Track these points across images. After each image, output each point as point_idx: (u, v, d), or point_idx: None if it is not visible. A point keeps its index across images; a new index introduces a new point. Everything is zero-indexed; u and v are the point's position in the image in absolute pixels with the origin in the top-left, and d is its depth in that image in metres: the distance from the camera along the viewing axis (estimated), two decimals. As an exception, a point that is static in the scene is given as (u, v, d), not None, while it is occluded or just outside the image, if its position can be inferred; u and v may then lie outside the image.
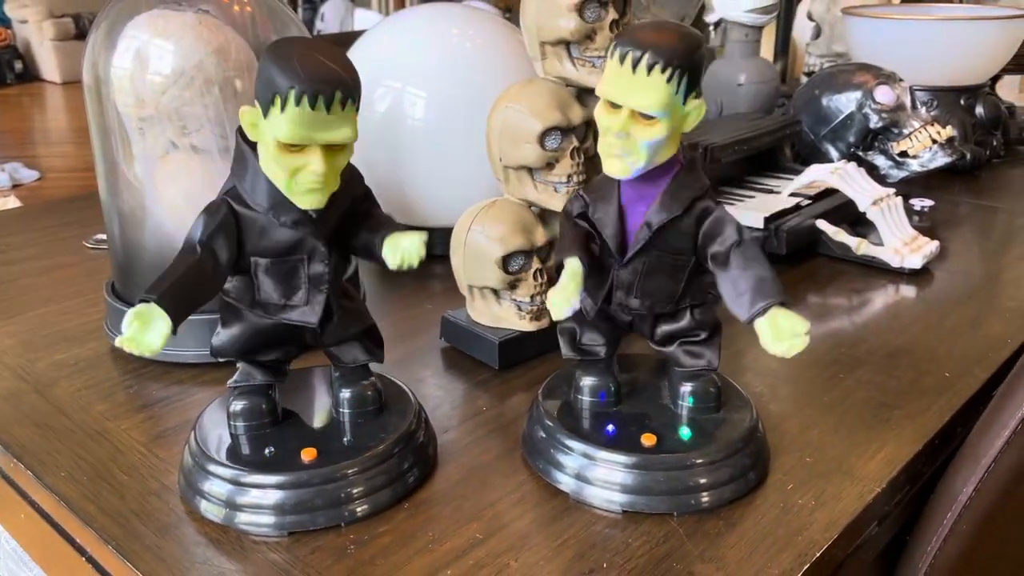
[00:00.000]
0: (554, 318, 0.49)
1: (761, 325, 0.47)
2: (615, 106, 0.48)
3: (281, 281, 0.51)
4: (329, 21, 4.32)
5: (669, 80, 0.46)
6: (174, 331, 0.45)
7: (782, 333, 0.46)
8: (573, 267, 0.49)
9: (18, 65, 6.66)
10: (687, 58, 0.46)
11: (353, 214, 0.52)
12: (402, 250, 0.49)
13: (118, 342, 0.44)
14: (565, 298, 0.48)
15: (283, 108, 0.44)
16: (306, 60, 0.44)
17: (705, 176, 0.51)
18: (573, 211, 0.53)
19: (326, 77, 0.44)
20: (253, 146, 0.48)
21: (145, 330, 0.44)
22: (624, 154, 0.48)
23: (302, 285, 0.51)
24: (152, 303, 0.44)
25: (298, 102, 0.43)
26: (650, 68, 0.46)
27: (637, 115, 0.47)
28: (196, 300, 0.47)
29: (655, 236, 0.50)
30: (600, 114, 0.49)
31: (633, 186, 0.51)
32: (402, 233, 0.50)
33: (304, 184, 0.46)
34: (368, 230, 0.52)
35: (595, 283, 0.53)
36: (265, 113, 0.45)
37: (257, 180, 0.48)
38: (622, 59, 0.46)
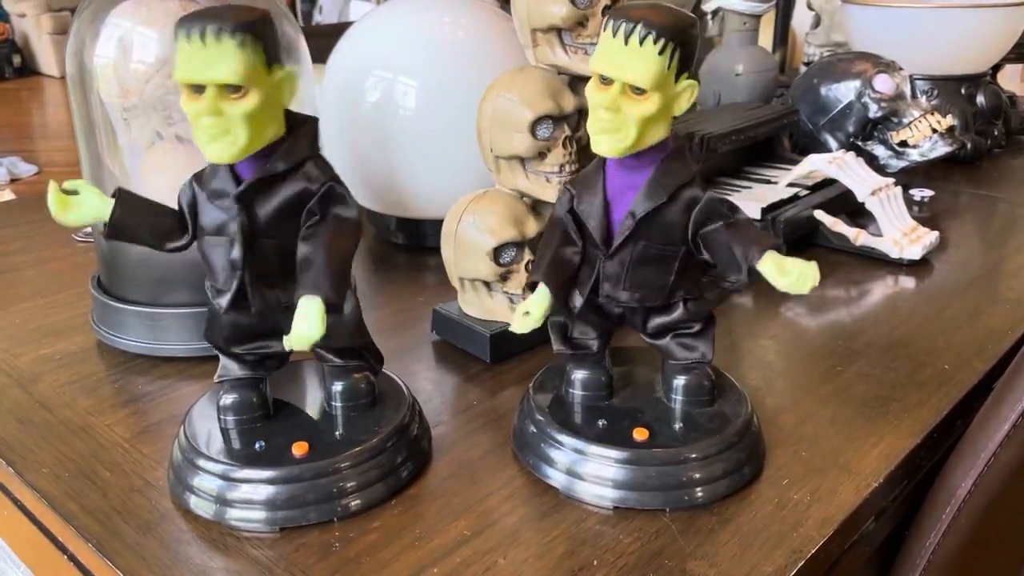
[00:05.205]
0: (512, 328, 0.51)
1: (764, 266, 0.47)
2: (606, 81, 0.47)
3: (215, 261, 0.50)
4: (327, 12, 4.29)
5: (661, 52, 0.45)
6: (110, 229, 0.50)
7: (787, 268, 0.46)
8: (541, 294, 0.51)
9: (16, 59, 6.64)
10: (680, 33, 0.46)
11: (299, 213, 0.49)
12: (296, 336, 0.46)
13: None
14: (525, 323, 0.51)
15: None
16: (199, 9, 0.46)
17: (694, 163, 0.50)
18: (560, 210, 0.52)
19: (204, 13, 0.45)
20: None
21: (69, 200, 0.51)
22: (614, 130, 0.47)
23: (224, 269, 0.50)
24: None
25: (177, 38, 0.45)
26: (643, 39, 0.45)
27: (628, 90, 0.47)
28: (149, 216, 0.51)
29: (639, 226, 0.49)
30: (591, 90, 0.48)
31: (619, 175, 0.50)
32: (302, 317, 0.46)
33: (204, 131, 0.46)
34: (304, 253, 0.48)
35: (583, 276, 0.52)
36: None
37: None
38: (615, 31, 0.46)
